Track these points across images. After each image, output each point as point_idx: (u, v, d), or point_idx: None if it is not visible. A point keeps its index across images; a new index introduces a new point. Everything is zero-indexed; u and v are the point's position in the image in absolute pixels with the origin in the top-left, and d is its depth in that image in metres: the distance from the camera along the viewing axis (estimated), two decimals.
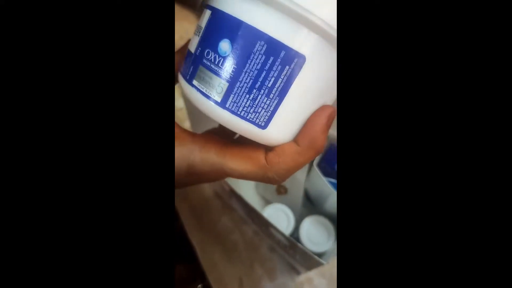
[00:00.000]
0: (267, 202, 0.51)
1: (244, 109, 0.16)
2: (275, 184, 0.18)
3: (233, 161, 0.18)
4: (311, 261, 0.35)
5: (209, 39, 0.16)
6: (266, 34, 0.15)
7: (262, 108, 0.16)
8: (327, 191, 0.41)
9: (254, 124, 0.17)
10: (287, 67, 0.15)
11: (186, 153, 0.18)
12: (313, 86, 0.17)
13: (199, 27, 0.18)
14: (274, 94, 0.16)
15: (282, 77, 0.16)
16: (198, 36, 0.17)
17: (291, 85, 0.16)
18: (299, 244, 0.34)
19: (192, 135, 0.19)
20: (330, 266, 0.44)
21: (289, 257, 0.43)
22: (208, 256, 0.46)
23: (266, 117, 0.17)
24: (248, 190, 0.52)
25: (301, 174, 0.49)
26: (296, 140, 0.18)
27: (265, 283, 0.43)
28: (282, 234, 0.36)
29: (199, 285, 0.48)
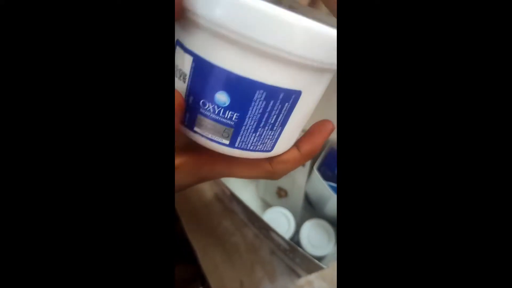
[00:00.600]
0: (268, 205, 0.51)
1: (253, 144, 0.17)
2: (276, 179, 0.21)
3: (241, 170, 0.20)
4: (311, 265, 0.35)
5: (202, 90, 0.16)
6: (263, 83, 0.15)
7: (268, 139, 0.17)
8: (327, 194, 0.42)
9: (262, 152, 0.18)
10: (287, 103, 0.16)
11: (195, 170, 0.19)
12: (308, 108, 0.18)
13: (180, 71, 0.16)
14: (277, 126, 0.17)
15: (283, 112, 0.16)
16: (184, 82, 0.16)
17: (290, 115, 0.17)
18: (299, 248, 0.34)
19: (197, 152, 0.20)
20: (331, 270, 0.44)
21: (289, 260, 0.44)
22: (209, 259, 0.46)
23: (271, 144, 0.18)
24: (248, 194, 0.52)
25: (301, 178, 0.49)
26: (298, 147, 0.20)
27: (266, 286, 0.43)
28: (282, 238, 0.36)
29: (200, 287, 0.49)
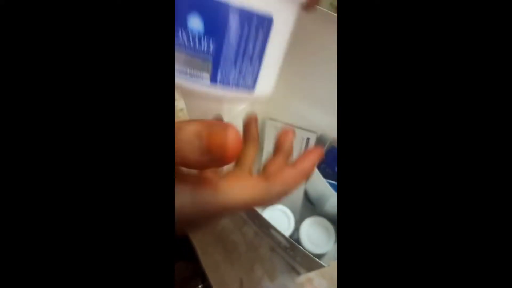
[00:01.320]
0: None
1: (234, 79, 0.17)
2: (274, 202, 0.20)
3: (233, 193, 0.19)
4: (311, 263, 0.35)
5: (175, 15, 0.15)
6: (236, 7, 0.15)
7: (248, 73, 0.18)
8: (328, 193, 0.41)
9: (244, 88, 0.18)
10: (261, 30, 0.16)
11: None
12: (281, 40, 0.18)
13: None
14: (254, 58, 0.17)
15: (258, 40, 0.17)
16: None
17: (266, 45, 0.17)
18: (299, 246, 0.34)
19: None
20: (330, 268, 0.44)
21: (289, 258, 0.43)
22: (209, 257, 0.46)
23: (252, 80, 0.18)
24: None
25: None
26: (294, 165, 0.20)
27: (266, 284, 0.43)
28: (283, 236, 0.36)
29: (200, 286, 0.49)
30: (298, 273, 0.44)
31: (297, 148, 0.50)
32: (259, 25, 0.16)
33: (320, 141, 0.51)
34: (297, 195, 0.48)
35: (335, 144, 0.48)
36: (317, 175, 0.42)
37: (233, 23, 0.15)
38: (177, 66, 0.16)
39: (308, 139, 0.49)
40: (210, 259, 0.46)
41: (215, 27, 0.15)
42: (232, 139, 0.14)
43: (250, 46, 0.17)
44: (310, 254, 0.33)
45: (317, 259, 0.33)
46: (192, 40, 0.16)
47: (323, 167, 0.49)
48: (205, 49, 0.16)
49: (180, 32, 0.15)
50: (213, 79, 0.17)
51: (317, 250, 0.42)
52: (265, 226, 0.39)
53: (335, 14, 0.33)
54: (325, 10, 0.33)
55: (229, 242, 0.47)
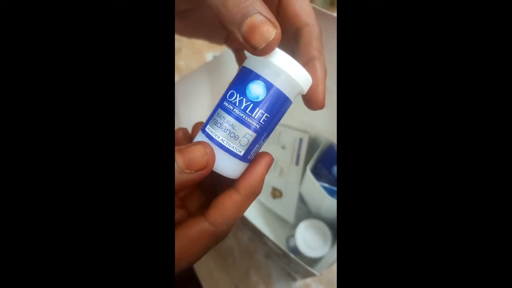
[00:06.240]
0: (262, 205, 0.50)
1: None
2: (222, 238, 0.18)
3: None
4: (304, 270, 0.34)
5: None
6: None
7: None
8: (321, 196, 0.40)
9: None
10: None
11: None
12: None
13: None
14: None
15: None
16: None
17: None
18: (291, 254, 0.33)
19: None
20: (328, 272, 0.43)
21: (284, 264, 0.42)
22: (203, 264, 0.45)
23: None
24: None
25: (295, 178, 0.48)
26: (236, 188, 0.17)
27: None
28: (275, 244, 0.35)
29: None
30: (294, 279, 0.43)
31: (290, 148, 0.49)
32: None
33: (314, 141, 0.49)
34: (292, 197, 0.47)
35: (331, 142, 0.47)
36: (310, 179, 0.41)
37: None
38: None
39: (301, 139, 0.47)
40: (204, 266, 0.45)
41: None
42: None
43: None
44: (301, 262, 0.32)
45: (309, 268, 0.32)
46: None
47: (319, 167, 0.47)
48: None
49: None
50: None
51: (314, 254, 0.41)
52: (258, 234, 0.38)
53: (333, 14, 0.31)
54: (323, 10, 0.31)
55: (223, 248, 0.46)
